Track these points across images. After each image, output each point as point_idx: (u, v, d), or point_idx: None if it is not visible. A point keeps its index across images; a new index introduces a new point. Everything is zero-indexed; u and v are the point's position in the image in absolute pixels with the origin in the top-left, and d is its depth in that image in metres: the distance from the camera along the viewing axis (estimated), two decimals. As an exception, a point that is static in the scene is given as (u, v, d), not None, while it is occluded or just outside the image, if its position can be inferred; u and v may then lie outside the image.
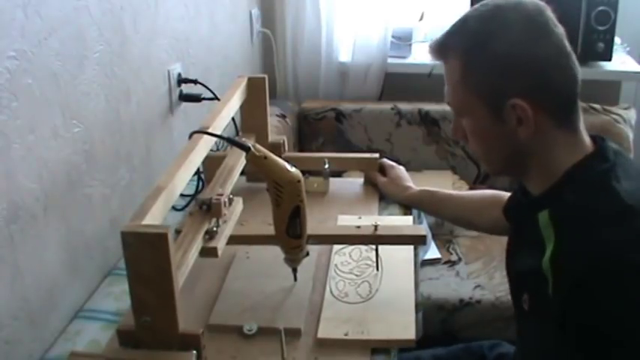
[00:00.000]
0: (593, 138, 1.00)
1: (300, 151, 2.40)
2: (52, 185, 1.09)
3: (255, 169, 1.07)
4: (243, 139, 1.11)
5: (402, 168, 1.55)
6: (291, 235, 1.10)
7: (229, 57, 2.06)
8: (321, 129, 2.44)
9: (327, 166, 1.50)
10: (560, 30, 0.96)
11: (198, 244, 0.99)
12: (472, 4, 2.37)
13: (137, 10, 1.38)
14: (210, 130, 1.12)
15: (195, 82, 1.64)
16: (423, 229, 1.31)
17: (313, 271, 1.25)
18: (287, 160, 1.58)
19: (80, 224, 1.19)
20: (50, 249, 1.10)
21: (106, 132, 1.28)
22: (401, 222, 1.43)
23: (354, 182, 1.60)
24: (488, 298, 1.85)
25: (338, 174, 1.82)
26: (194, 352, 0.88)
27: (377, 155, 1.57)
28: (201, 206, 1.03)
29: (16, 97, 0.98)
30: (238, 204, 1.14)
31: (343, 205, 1.50)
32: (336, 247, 1.33)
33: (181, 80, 1.62)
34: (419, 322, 1.41)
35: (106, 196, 1.29)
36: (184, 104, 1.66)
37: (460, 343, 1.46)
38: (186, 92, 1.64)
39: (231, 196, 1.11)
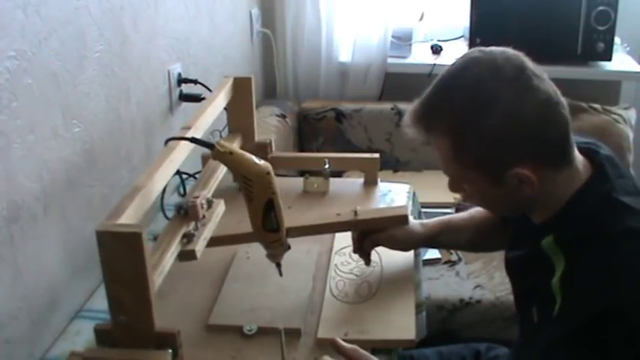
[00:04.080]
0: (585, 152, 0.98)
1: (300, 151, 2.40)
2: (52, 185, 1.09)
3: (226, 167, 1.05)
4: (209, 137, 1.08)
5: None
6: (268, 228, 1.07)
7: (229, 57, 2.06)
8: (321, 129, 2.44)
9: (327, 166, 1.50)
10: (544, 77, 0.92)
11: (175, 247, 0.98)
12: (472, 4, 2.37)
13: (137, 10, 1.38)
14: (192, 130, 1.11)
15: (195, 82, 1.64)
16: (405, 208, 1.27)
17: (313, 271, 1.25)
18: (281, 160, 1.56)
19: (80, 224, 1.19)
20: (50, 249, 1.10)
21: (106, 132, 1.28)
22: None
23: (354, 182, 1.60)
24: (488, 298, 1.85)
25: (338, 174, 1.82)
26: (170, 350, 0.88)
27: (377, 155, 1.56)
28: (179, 210, 1.03)
29: (16, 97, 0.98)
30: (219, 206, 1.12)
31: (343, 205, 1.49)
32: (336, 246, 1.33)
33: (181, 80, 1.62)
34: (422, 322, 1.42)
35: (106, 196, 1.29)
36: (184, 104, 1.66)
37: (460, 342, 1.46)
38: (186, 92, 1.64)
39: (210, 198, 1.10)
